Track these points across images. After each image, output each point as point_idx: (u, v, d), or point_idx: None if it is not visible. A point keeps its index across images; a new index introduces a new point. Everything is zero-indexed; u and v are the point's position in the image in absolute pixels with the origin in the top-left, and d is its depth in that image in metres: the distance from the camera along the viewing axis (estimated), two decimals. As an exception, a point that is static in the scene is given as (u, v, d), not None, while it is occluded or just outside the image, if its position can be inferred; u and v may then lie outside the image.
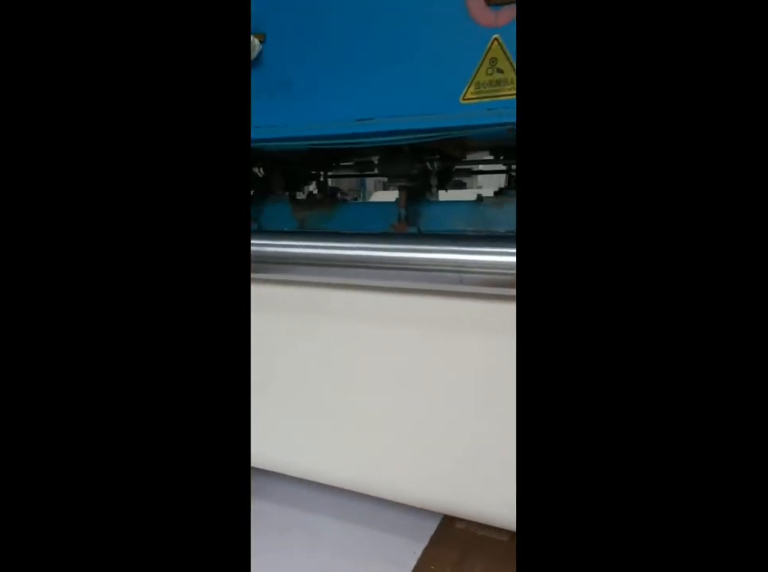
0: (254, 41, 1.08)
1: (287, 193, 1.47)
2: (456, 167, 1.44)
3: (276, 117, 1.12)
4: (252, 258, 1.25)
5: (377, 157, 1.34)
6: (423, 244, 1.12)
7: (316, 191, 1.43)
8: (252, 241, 1.25)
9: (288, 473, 1.33)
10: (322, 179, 1.43)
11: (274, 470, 1.34)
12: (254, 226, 1.37)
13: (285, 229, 1.38)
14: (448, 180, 1.39)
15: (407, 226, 1.21)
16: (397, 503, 1.25)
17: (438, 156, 1.14)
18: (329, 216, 1.36)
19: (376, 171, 1.30)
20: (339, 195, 1.43)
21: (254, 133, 1.13)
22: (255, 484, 1.45)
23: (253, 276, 1.29)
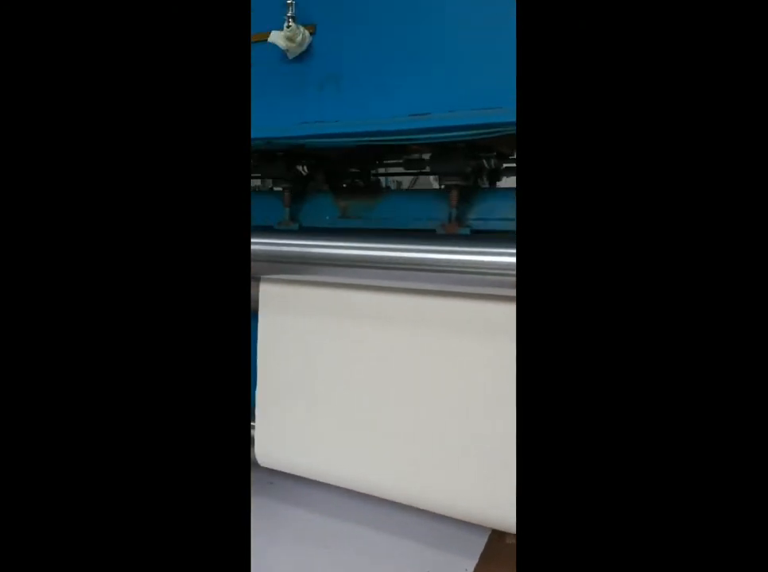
0: (305, 33, 1.03)
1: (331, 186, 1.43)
2: (505, 165, 1.38)
3: (325, 111, 1.07)
4: (282, 258, 1.22)
5: (424, 154, 1.29)
6: (477, 246, 1.07)
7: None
8: (286, 241, 1.22)
9: (321, 480, 1.30)
10: (366, 176, 1.38)
11: (306, 476, 1.31)
12: (294, 225, 1.34)
13: (327, 217, 1.33)
14: (498, 178, 1.33)
15: (458, 226, 1.16)
16: (440, 515, 1.21)
17: (495, 153, 1.08)
18: (372, 206, 1.31)
19: (428, 168, 1.24)
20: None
21: (300, 130, 1.10)
22: (290, 491, 1.43)
23: (275, 276, 1.26)
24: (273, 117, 1.12)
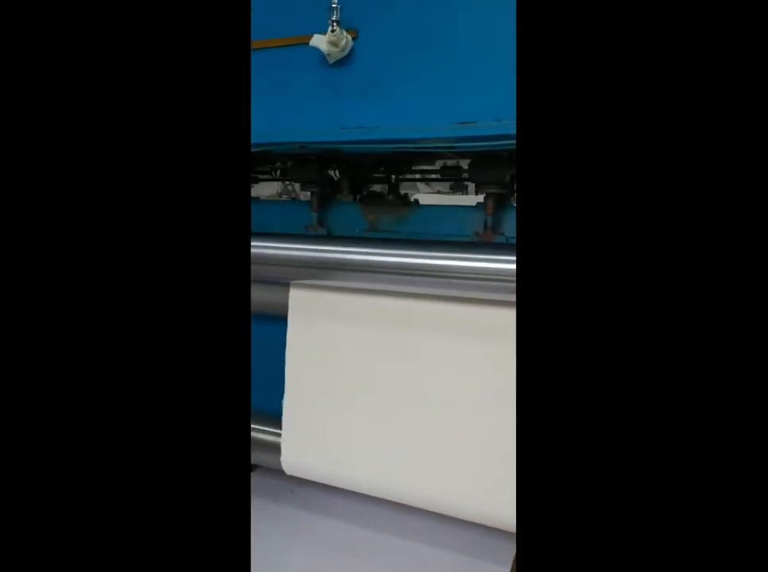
0: (348, 37, 1.02)
1: (355, 195, 1.42)
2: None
3: (366, 117, 1.06)
4: (309, 263, 1.20)
5: (462, 161, 1.28)
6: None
7: (385, 192, 1.37)
8: (311, 247, 1.21)
9: (350, 488, 1.28)
10: (393, 181, 1.37)
11: (335, 485, 1.30)
12: (322, 230, 1.32)
13: (356, 230, 1.32)
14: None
15: (493, 234, 1.15)
16: (467, 521, 1.21)
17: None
18: (403, 219, 1.30)
19: (465, 175, 1.24)
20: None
21: (339, 135, 1.08)
22: (313, 499, 1.41)
23: (306, 282, 1.24)
24: (309, 121, 1.11)
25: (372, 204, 1.33)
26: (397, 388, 1.17)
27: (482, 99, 0.97)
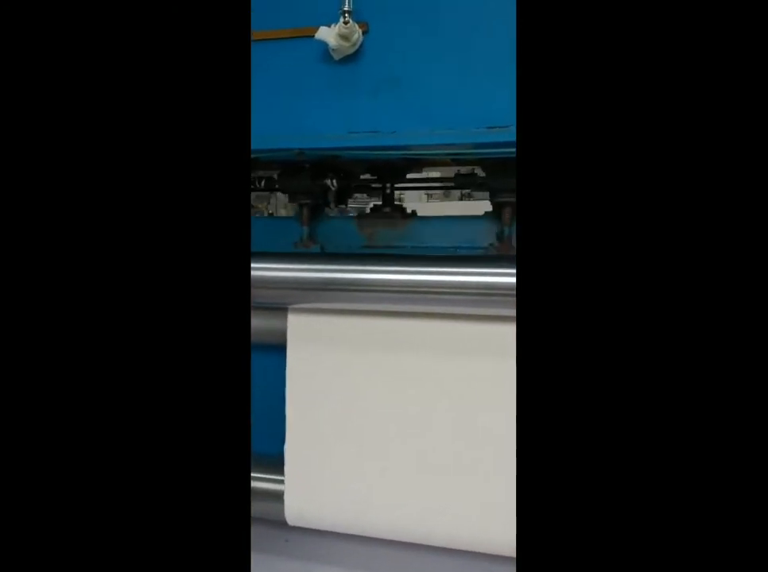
0: (359, 31, 0.91)
1: (342, 206, 1.30)
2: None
3: (379, 120, 0.95)
4: (310, 285, 1.07)
5: (472, 168, 1.20)
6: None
7: (380, 204, 1.26)
8: (318, 267, 1.07)
9: (363, 534, 1.15)
10: (389, 191, 1.26)
11: (345, 532, 1.16)
12: (315, 247, 1.19)
13: (354, 246, 1.20)
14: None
15: (509, 245, 1.08)
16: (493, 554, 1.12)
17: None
18: (402, 233, 1.20)
19: (479, 182, 1.15)
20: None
21: (350, 140, 0.96)
22: (310, 547, 1.26)
23: (306, 306, 1.11)
24: (310, 125, 0.98)
25: (367, 217, 1.22)
26: (416, 421, 1.05)
27: (509, 100, 0.90)
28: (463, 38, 0.90)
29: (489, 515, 1.04)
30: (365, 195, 1.40)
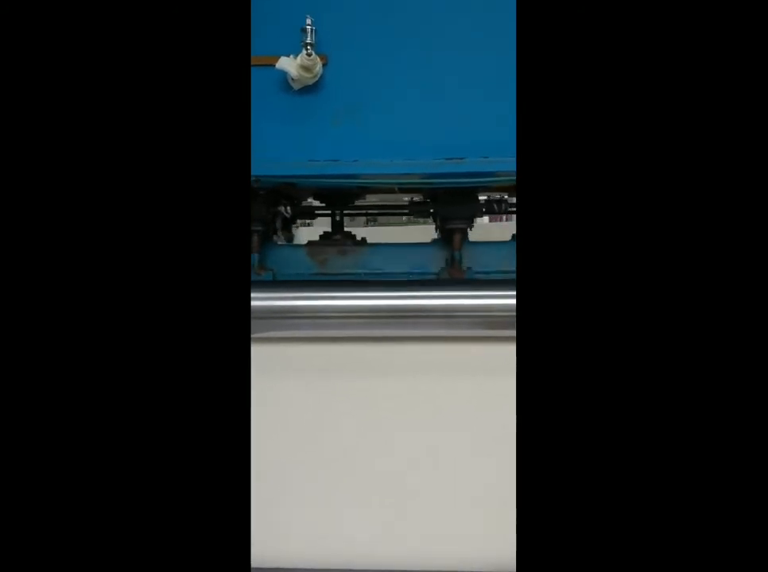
0: (319, 63, 0.92)
1: (287, 233, 1.29)
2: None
3: (338, 149, 0.97)
4: (261, 314, 1.05)
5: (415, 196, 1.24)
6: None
7: (329, 230, 1.27)
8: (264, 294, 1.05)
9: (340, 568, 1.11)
10: (338, 218, 1.27)
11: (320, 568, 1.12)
12: (266, 274, 1.16)
13: (305, 273, 1.19)
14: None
15: (461, 269, 1.13)
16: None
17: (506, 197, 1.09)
18: (356, 260, 1.21)
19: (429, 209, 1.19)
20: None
21: (310, 169, 0.97)
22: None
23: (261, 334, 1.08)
24: (267, 152, 0.97)
25: (318, 243, 1.22)
26: (387, 447, 1.06)
27: (466, 131, 0.96)
28: (420, 71, 0.95)
29: (471, 542, 1.06)
30: (309, 221, 1.39)
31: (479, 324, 1.03)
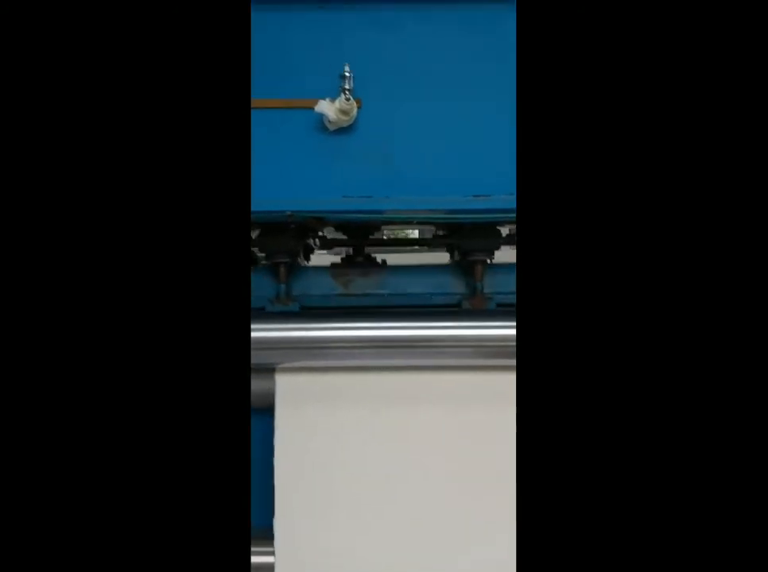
0: (355, 106, 0.97)
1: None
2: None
3: (370, 187, 1.01)
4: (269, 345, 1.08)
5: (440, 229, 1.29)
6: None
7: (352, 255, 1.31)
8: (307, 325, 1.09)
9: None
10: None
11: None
12: (293, 305, 1.19)
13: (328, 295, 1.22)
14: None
15: (484, 300, 1.17)
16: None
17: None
18: (378, 282, 1.25)
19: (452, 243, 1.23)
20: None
21: (341, 204, 1.02)
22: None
23: (287, 365, 1.11)
24: (301, 189, 1.02)
25: (341, 267, 1.26)
26: (413, 480, 1.07)
27: (491, 170, 1.01)
28: (450, 114, 1.01)
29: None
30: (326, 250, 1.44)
31: (509, 354, 1.07)
